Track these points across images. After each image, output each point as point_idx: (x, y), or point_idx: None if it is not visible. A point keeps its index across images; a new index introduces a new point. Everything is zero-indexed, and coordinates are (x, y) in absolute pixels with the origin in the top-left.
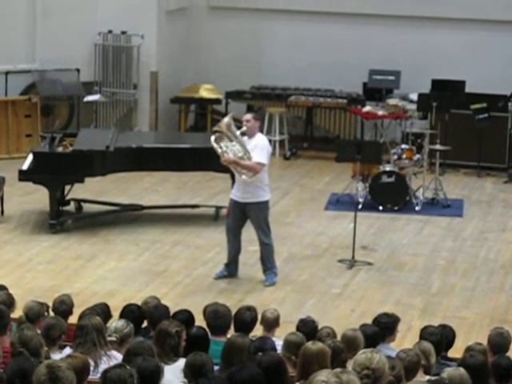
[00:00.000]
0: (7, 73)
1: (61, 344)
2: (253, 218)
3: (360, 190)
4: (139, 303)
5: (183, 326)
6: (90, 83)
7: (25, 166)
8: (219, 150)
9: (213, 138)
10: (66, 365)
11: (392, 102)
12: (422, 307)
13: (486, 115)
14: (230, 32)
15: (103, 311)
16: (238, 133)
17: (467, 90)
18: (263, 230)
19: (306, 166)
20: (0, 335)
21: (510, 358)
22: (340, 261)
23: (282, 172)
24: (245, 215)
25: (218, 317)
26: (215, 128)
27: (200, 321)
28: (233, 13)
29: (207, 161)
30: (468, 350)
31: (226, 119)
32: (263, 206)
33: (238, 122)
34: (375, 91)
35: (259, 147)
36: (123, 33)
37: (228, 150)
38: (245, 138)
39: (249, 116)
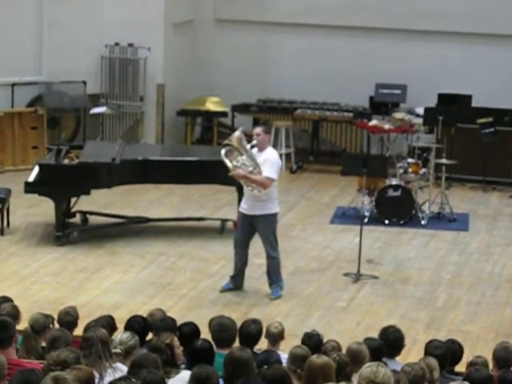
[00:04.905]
0: (13, 85)
1: None
2: (261, 231)
3: (366, 203)
4: (145, 315)
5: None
6: (96, 95)
7: (31, 178)
8: (229, 164)
9: (223, 151)
10: (71, 377)
11: (398, 115)
12: (428, 321)
13: (491, 129)
14: (237, 45)
15: (108, 323)
16: (248, 147)
17: (474, 104)
18: (271, 243)
19: (312, 179)
20: (6, 347)
21: None
22: (345, 274)
23: (288, 185)
24: (253, 228)
25: (223, 329)
26: (226, 142)
27: (205, 333)
28: (239, 26)
29: (213, 174)
30: (471, 364)
31: (237, 133)
32: (271, 219)
33: (248, 137)
34: (381, 105)
35: (269, 162)
36: (130, 45)
37: (238, 163)
38: (255, 152)
39: (259, 130)
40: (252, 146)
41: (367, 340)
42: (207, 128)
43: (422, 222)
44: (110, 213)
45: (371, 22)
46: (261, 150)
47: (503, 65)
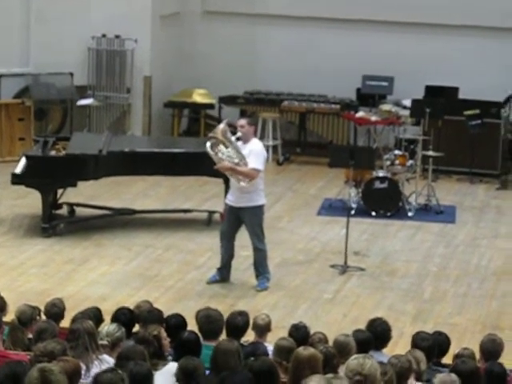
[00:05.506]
0: (0, 76)
1: None
2: (247, 223)
3: (353, 195)
4: (131, 307)
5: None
6: (83, 87)
7: (18, 170)
8: (215, 157)
9: (208, 144)
10: (58, 368)
11: (385, 107)
12: (414, 313)
13: (478, 121)
14: (224, 37)
15: (95, 315)
16: (233, 139)
17: (461, 96)
18: (257, 235)
19: (299, 171)
20: None
21: (502, 365)
22: (332, 266)
23: (274, 177)
24: (239, 220)
25: (209, 321)
26: (210, 134)
27: (192, 325)
28: (227, 17)
29: (200, 165)
30: (457, 356)
31: (222, 125)
32: (258, 211)
33: (233, 128)
34: (368, 97)
35: (254, 153)
36: (117, 37)
37: (224, 156)
38: (239, 144)
39: (243, 121)
40: (237, 139)
41: (355, 332)
42: (194, 120)
43: (409, 214)
44: (97, 204)
45: (358, 14)
46: (245, 141)
47: (491, 57)
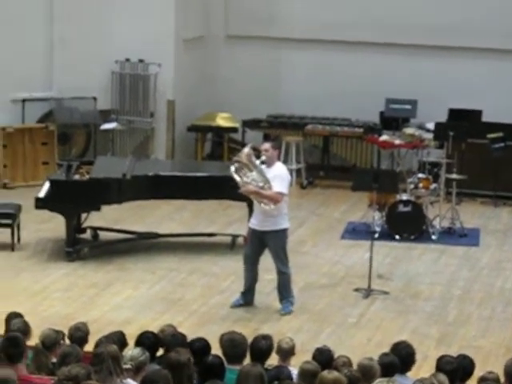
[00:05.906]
0: (24, 100)
1: None
2: (271, 247)
3: (376, 219)
4: (155, 331)
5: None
6: (106, 111)
7: (41, 194)
8: (239, 181)
9: (233, 168)
10: None
11: (409, 131)
12: (438, 337)
13: (502, 144)
14: (247, 60)
15: (119, 339)
16: (257, 162)
17: (484, 119)
18: (281, 258)
19: (323, 194)
20: (16, 363)
21: None
22: (356, 290)
23: (298, 201)
24: (263, 244)
25: (234, 345)
26: (235, 158)
27: (216, 349)
28: (250, 41)
29: (223, 189)
30: (482, 379)
31: (246, 149)
32: (282, 235)
33: (257, 152)
34: (392, 120)
35: (279, 177)
36: (140, 61)
37: (248, 180)
38: (264, 167)
39: (267, 145)
40: (261, 162)
41: (381, 356)
42: (217, 144)
43: (433, 238)
44: (121, 228)
45: (381, 37)
46: (270, 165)
47: None
